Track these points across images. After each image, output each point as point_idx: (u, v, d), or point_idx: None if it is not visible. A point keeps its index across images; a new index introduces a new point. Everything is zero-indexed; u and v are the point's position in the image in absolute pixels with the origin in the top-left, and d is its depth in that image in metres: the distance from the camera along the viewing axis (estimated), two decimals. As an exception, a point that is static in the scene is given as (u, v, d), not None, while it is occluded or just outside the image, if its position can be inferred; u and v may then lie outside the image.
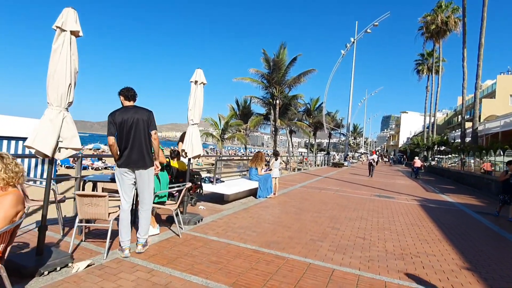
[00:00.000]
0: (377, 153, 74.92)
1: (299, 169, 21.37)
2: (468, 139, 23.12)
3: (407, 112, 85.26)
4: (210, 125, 26.12)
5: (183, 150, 5.27)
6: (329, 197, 9.44)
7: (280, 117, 27.84)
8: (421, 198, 10.76)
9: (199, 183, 6.77)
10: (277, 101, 26.17)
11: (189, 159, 5.59)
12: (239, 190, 7.34)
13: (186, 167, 6.60)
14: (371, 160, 18.46)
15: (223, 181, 7.70)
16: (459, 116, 52.16)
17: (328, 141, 57.24)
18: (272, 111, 26.87)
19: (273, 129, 26.83)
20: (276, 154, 9.19)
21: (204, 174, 7.26)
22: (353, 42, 36.59)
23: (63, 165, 21.97)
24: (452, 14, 31.20)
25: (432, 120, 37.98)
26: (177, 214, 4.52)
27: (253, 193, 8.41)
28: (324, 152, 47.45)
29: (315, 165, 30.90)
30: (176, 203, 4.46)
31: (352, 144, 76.92)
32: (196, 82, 5.34)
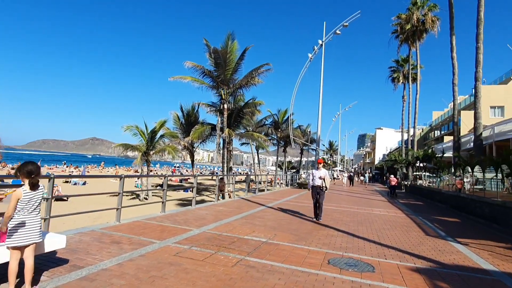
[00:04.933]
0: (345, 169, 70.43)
1: (254, 191, 15.51)
2: (462, 151, 18.45)
3: (382, 129, 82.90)
4: (134, 135, 19.85)
5: None
6: None
7: (231, 126, 22.19)
8: (427, 262, 5.16)
9: None
10: (225, 105, 20.56)
11: None
12: None
13: None
14: (317, 182, 8.46)
15: None
16: (436, 131, 49.22)
17: (300, 158, 52.02)
18: (219, 118, 21.17)
19: (220, 141, 20.94)
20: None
21: None
22: (321, 44, 32.44)
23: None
24: (429, 12, 27.60)
25: (410, 133, 33.84)
26: None
27: None
28: (294, 171, 42.14)
29: (280, 186, 25.35)
30: None
31: (329, 162, 72.57)
32: None
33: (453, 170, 16.51)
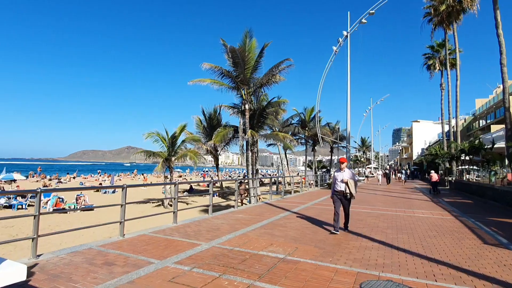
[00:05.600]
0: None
1: (281, 193, 14.66)
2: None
3: (419, 121, 77.72)
4: (155, 142, 19.73)
5: None
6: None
7: (254, 127, 21.42)
8: (491, 284, 3.94)
9: None
10: (246, 106, 19.85)
11: None
12: None
13: None
14: (340, 187, 6.90)
15: None
16: (481, 121, 44.83)
17: (330, 156, 50.01)
18: (241, 119, 20.50)
19: (243, 143, 20.23)
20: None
21: None
22: (346, 35, 30.72)
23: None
24: (466, -11, 24.92)
25: (452, 124, 30.90)
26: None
27: None
28: (324, 170, 40.44)
29: (310, 186, 24.15)
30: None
31: (362, 160, 69.41)
32: None
33: (507, 162, 14.41)
